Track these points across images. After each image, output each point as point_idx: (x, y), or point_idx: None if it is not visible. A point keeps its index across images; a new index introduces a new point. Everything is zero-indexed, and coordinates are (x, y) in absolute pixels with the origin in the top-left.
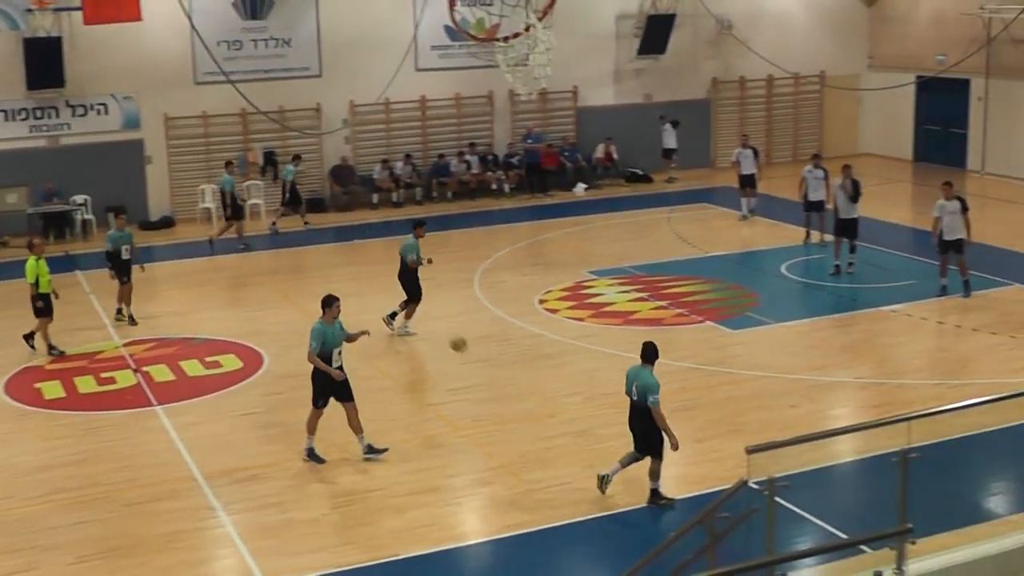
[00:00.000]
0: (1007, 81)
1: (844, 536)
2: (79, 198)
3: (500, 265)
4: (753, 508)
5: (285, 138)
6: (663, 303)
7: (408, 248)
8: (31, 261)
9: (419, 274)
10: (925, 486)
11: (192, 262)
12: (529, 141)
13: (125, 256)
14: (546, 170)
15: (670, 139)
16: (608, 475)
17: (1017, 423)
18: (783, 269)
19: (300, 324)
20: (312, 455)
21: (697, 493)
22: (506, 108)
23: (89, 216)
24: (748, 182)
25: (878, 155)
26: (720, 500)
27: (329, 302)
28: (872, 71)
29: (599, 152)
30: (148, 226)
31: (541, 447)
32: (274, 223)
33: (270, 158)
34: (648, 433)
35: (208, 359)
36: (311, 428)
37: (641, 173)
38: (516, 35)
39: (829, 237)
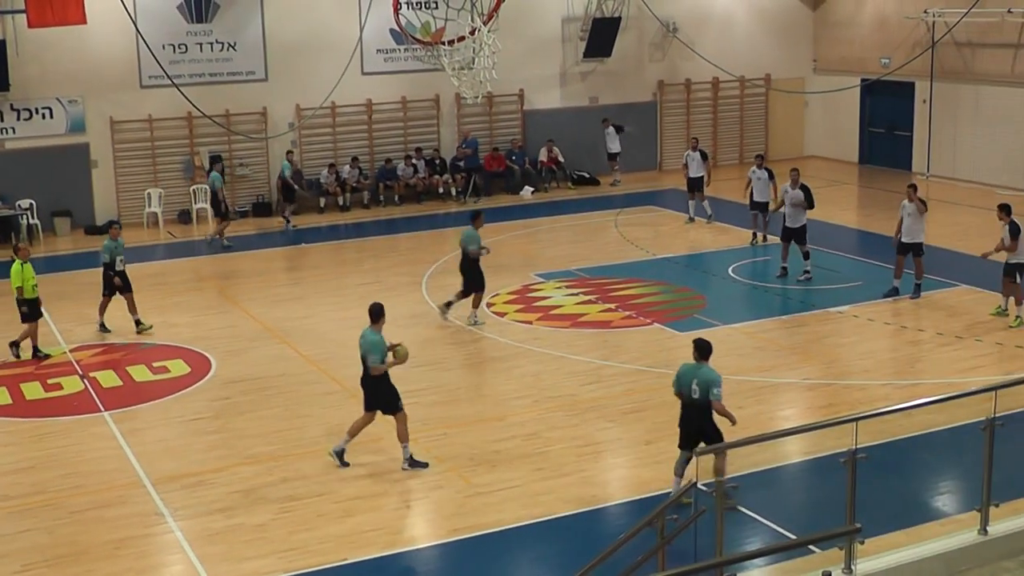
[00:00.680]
0: (951, 84)
1: (793, 536)
2: (24, 203)
3: (448, 268)
4: (702, 509)
5: (231, 142)
6: (611, 306)
7: (470, 239)
8: (16, 266)
9: (481, 264)
10: (873, 486)
11: (138, 267)
12: (464, 147)
13: (120, 267)
14: (492, 174)
15: (613, 143)
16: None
17: (964, 423)
18: (730, 271)
19: (247, 328)
20: (414, 463)
21: (646, 495)
22: (452, 111)
23: (35, 221)
24: (696, 185)
25: (824, 157)
26: (669, 502)
27: (382, 311)
28: (817, 74)
29: (542, 155)
30: (94, 231)
31: (490, 450)
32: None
33: (216, 162)
34: (703, 429)
35: (155, 364)
36: (404, 436)
37: (588, 176)
38: (461, 38)
39: (773, 238)
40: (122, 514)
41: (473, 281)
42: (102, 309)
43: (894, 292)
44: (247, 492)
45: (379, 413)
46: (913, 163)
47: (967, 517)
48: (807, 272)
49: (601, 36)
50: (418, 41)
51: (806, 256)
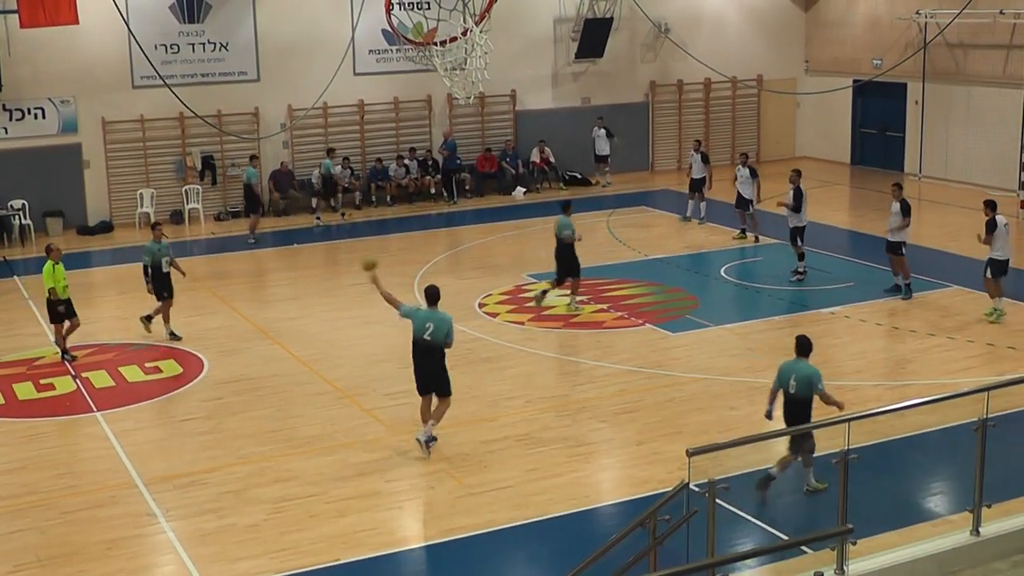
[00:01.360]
0: (943, 85)
1: (785, 537)
2: (16, 203)
3: (440, 269)
4: (694, 510)
5: (224, 142)
6: (603, 306)
7: (564, 225)
8: (47, 266)
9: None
10: (865, 487)
11: (131, 267)
12: (442, 148)
13: (165, 269)
14: (484, 174)
15: (603, 146)
16: (810, 487)
17: (956, 423)
18: (722, 272)
19: (239, 329)
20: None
21: (638, 496)
22: (444, 112)
23: (27, 221)
24: (697, 186)
25: (816, 158)
26: (661, 502)
27: (438, 294)
28: (809, 75)
29: (534, 155)
30: (86, 231)
31: (482, 450)
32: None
33: (208, 162)
34: (802, 424)
35: (148, 364)
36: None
37: (579, 177)
38: (454, 39)
39: (767, 239)
40: (114, 514)
41: (568, 268)
42: (165, 317)
43: (896, 289)
44: (239, 492)
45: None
46: (905, 164)
47: (959, 518)
48: (798, 272)
49: (593, 37)
50: (410, 42)
51: (800, 257)
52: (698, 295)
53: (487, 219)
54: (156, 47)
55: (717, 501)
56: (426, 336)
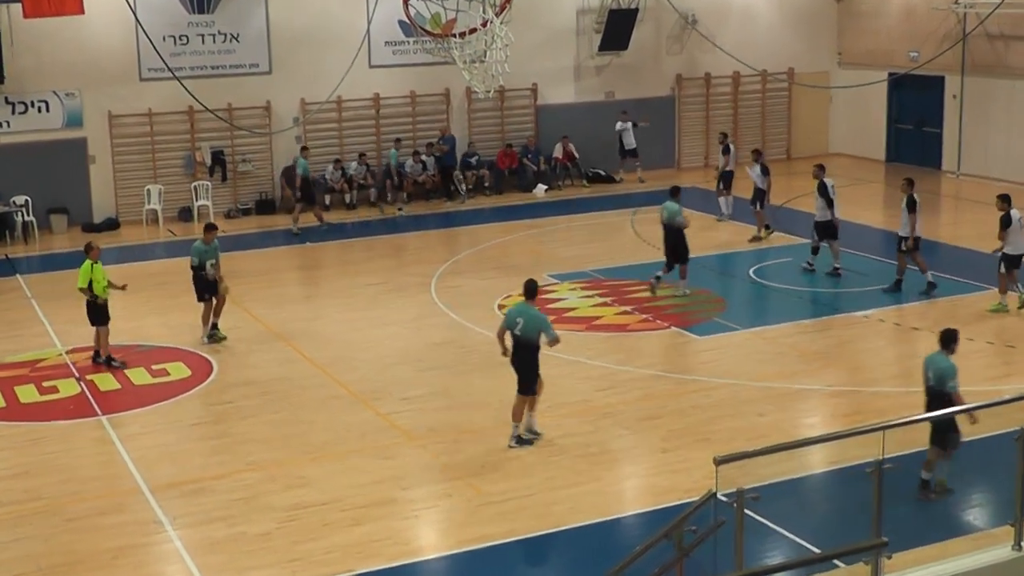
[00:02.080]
0: (983, 79)
1: (817, 550)
2: (20, 199)
3: (458, 269)
4: (721, 521)
5: (234, 137)
6: (627, 308)
7: (676, 211)
8: (86, 265)
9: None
10: (901, 498)
11: (139, 266)
12: (440, 143)
13: (211, 271)
14: (505, 171)
15: (629, 138)
16: (930, 480)
17: (995, 433)
18: (751, 273)
19: (250, 330)
20: (521, 440)
21: (664, 505)
22: (463, 106)
23: (30, 218)
24: (726, 180)
25: (849, 155)
26: (687, 513)
27: (536, 288)
28: (842, 68)
29: (557, 152)
30: (91, 228)
31: (501, 457)
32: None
33: (218, 157)
34: (941, 423)
35: (155, 367)
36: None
37: (603, 174)
38: (473, 30)
39: (794, 239)
40: (120, 522)
41: (678, 254)
42: (205, 318)
43: (896, 286)
44: (249, 500)
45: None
46: (943, 161)
47: (1000, 532)
48: (810, 264)
49: (617, 28)
50: (428, 33)
51: (814, 251)
52: (725, 297)
53: (507, 217)
54: (164, 38)
55: (746, 512)
56: (516, 331)
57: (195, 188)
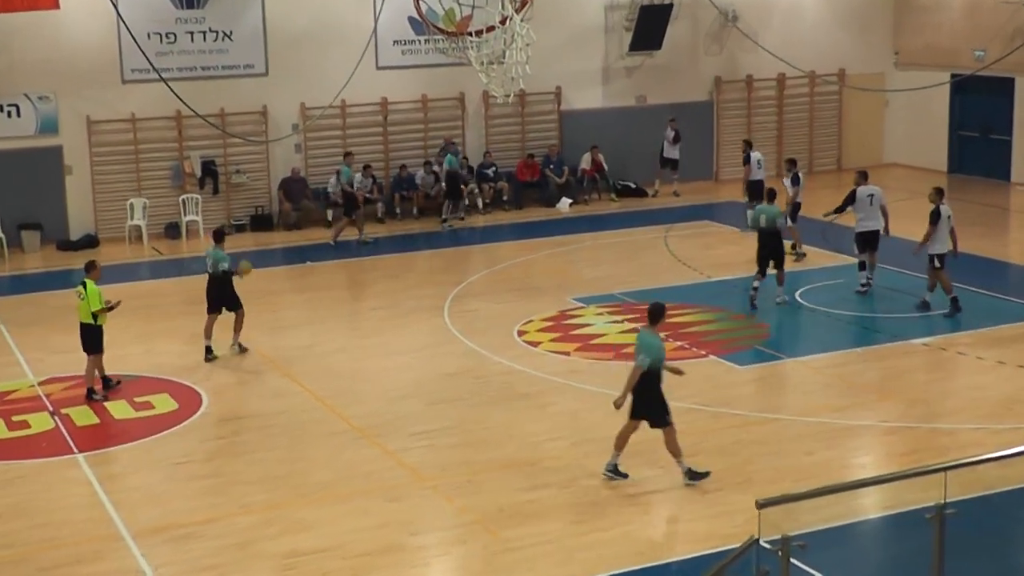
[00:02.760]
0: None
1: None
2: None
3: (473, 291)
4: (765, 571)
5: (227, 145)
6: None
7: (776, 213)
8: (92, 286)
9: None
10: (964, 547)
11: (120, 288)
12: (440, 154)
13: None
14: (525, 184)
15: (673, 150)
16: None
17: None
18: (797, 296)
19: (244, 359)
20: (616, 472)
21: (701, 553)
22: (479, 112)
23: None
24: (754, 192)
25: (907, 165)
26: (727, 561)
27: (662, 312)
28: (899, 69)
29: (585, 163)
30: (67, 246)
31: (521, 500)
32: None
33: (209, 168)
34: None
35: (138, 400)
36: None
37: (633, 187)
38: (491, 29)
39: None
40: (98, 571)
41: (776, 258)
42: (208, 331)
43: (924, 306)
44: (242, 546)
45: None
46: (1012, 171)
47: None
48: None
49: (650, 26)
50: (441, 31)
51: (862, 267)
52: (769, 322)
53: (528, 234)
54: (150, 36)
55: (791, 561)
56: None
57: (183, 202)
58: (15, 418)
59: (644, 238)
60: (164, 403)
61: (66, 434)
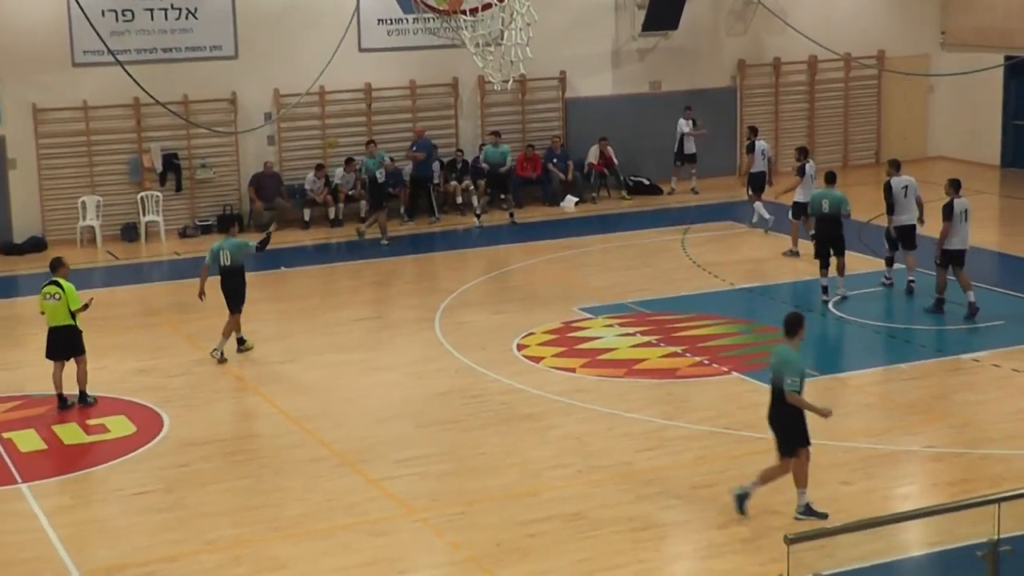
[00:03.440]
0: None
1: None
2: None
3: (468, 300)
4: None
5: (191, 136)
6: (676, 349)
7: (840, 199)
8: (68, 285)
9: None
10: None
11: None
12: (414, 149)
13: (226, 262)
14: (525, 180)
15: (689, 142)
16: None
17: None
18: (830, 306)
19: (211, 375)
20: (810, 511)
21: None
22: (474, 99)
23: None
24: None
25: (954, 159)
26: None
27: (800, 323)
28: (946, 50)
29: (592, 156)
30: (11, 250)
31: (521, 534)
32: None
33: (171, 162)
34: None
35: (91, 422)
36: (803, 480)
37: (647, 183)
38: (487, 6)
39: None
40: None
41: (837, 247)
42: (228, 331)
43: (938, 306)
44: None
45: None
46: None
47: None
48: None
49: (665, 3)
50: (432, 9)
51: (887, 263)
52: None
53: (528, 237)
54: (104, 13)
55: None
56: (771, 377)
57: (142, 200)
58: None
59: (659, 241)
60: (120, 426)
61: (9, 461)
